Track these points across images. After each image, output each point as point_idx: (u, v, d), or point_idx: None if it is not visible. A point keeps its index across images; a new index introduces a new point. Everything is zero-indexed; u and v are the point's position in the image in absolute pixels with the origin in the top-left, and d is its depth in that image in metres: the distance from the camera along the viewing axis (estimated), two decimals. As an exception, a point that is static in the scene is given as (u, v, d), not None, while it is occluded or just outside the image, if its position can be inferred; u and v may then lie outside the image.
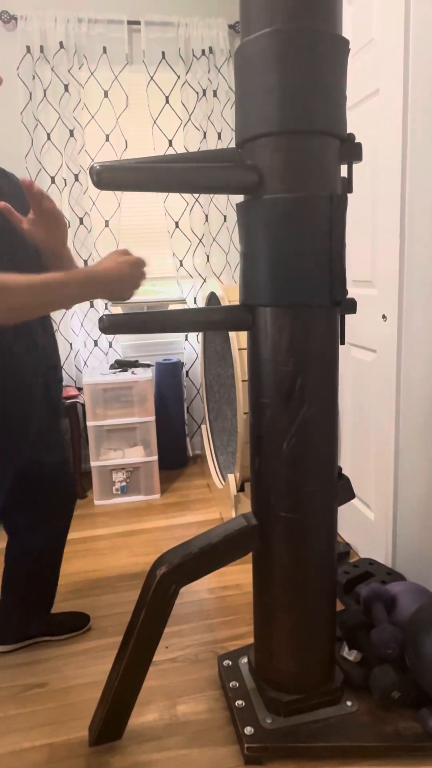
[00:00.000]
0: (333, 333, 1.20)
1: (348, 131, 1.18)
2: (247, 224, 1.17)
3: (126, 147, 2.84)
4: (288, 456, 1.21)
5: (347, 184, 1.18)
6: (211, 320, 1.20)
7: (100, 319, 1.13)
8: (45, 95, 2.75)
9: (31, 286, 1.06)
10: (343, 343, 1.24)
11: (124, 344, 3.19)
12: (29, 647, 1.71)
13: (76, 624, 1.77)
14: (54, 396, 1.49)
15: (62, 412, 1.57)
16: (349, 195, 2.00)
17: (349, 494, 1.34)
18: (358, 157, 1.16)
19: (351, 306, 1.23)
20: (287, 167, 1.09)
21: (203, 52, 2.86)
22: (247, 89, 1.10)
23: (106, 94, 2.83)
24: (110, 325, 1.13)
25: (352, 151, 1.15)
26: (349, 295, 1.21)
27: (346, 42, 1.09)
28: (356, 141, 1.16)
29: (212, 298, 2.57)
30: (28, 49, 2.70)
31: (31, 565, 1.62)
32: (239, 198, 3.07)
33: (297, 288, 1.12)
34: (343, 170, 1.32)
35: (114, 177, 1.06)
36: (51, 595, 1.69)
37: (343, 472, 2.18)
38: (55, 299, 1.10)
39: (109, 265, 1.15)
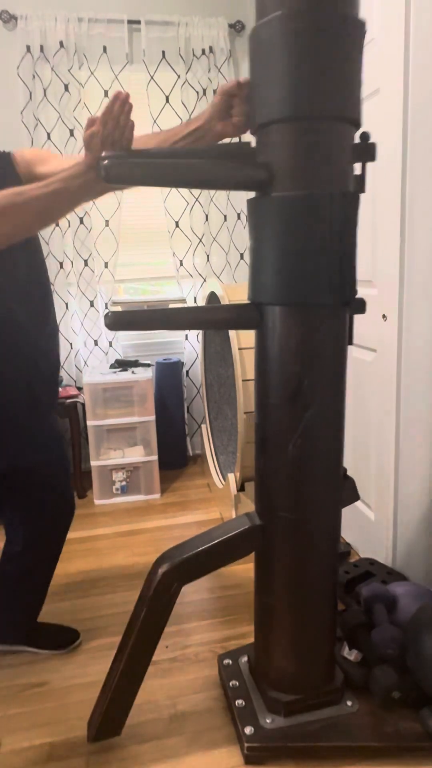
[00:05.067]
0: (341, 333, 1.18)
1: (361, 131, 1.15)
2: (256, 221, 1.15)
3: (126, 147, 2.83)
4: (293, 457, 1.20)
5: (360, 183, 1.15)
6: (218, 318, 1.19)
7: (106, 315, 1.12)
8: (45, 95, 2.75)
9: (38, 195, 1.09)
10: (351, 343, 1.22)
11: (124, 344, 3.19)
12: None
13: (62, 641, 1.69)
14: (39, 392, 1.45)
15: (50, 413, 1.53)
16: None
17: (353, 496, 1.33)
18: (371, 156, 1.13)
19: (360, 306, 1.21)
20: (299, 162, 1.07)
21: (203, 51, 2.86)
22: (260, 74, 1.07)
23: (106, 93, 2.83)
24: (115, 322, 1.12)
25: (365, 150, 1.12)
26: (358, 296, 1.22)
27: (362, 25, 1.04)
28: (371, 141, 1.13)
29: (212, 297, 2.57)
30: (28, 48, 2.70)
31: (21, 574, 1.58)
32: (239, 197, 3.06)
33: (307, 287, 1.11)
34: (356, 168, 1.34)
35: (123, 172, 1.04)
36: (38, 604, 1.65)
37: (343, 471, 2.18)
38: (64, 198, 1.11)
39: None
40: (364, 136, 1.13)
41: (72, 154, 1.24)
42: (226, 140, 1.22)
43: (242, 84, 1.15)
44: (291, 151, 1.07)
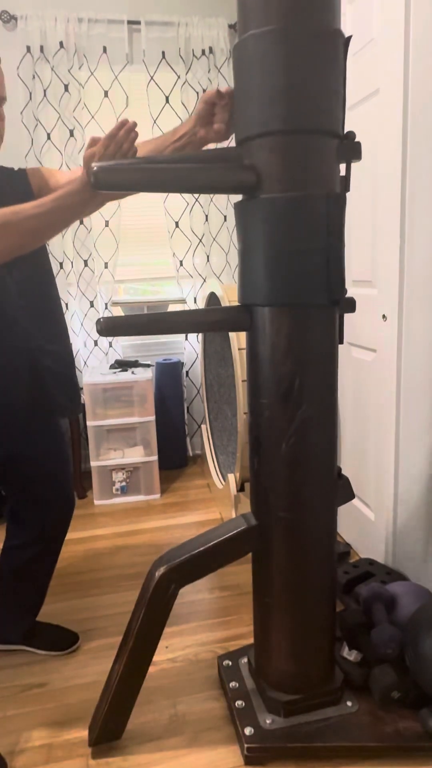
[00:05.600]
0: (331, 333, 1.19)
1: (347, 130, 1.18)
2: (244, 224, 1.17)
3: (126, 147, 2.84)
4: (287, 456, 1.20)
5: (345, 183, 1.18)
6: (209, 321, 1.20)
7: (98, 322, 1.12)
8: (45, 95, 2.75)
9: (40, 205, 1.13)
10: (341, 342, 1.23)
11: (124, 344, 3.19)
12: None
13: (61, 643, 1.69)
14: (42, 392, 1.46)
15: (58, 410, 1.53)
16: (349, 195, 2.00)
17: (348, 494, 1.34)
18: (357, 155, 1.15)
19: (350, 305, 1.23)
20: (284, 167, 1.09)
21: (203, 51, 2.86)
22: (244, 88, 1.10)
23: (106, 93, 2.83)
24: (107, 328, 1.13)
25: (351, 149, 1.14)
26: (348, 295, 1.22)
27: (342, 37, 1.07)
28: (355, 140, 1.15)
29: (212, 298, 2.57)
30: (28, 48, 2.70)
31: (21, 570, 1.59)
32: (240, 198, 3.06)
33: (295, 288, 1.12)
34: (342, 169, 1.35)
35: (111, 178, 1.05)
36: (38, 602, 1.66)
37: (343, 472, 2.18)
38: (66, 210, 1.15)
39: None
40: (349, 136, 1.14)
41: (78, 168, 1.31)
42: (213, 145, 1.27)
43: (222, 93, 1.19)
44: (276, 156, 1.09)
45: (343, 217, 1.14)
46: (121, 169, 1.06)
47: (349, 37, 1.10)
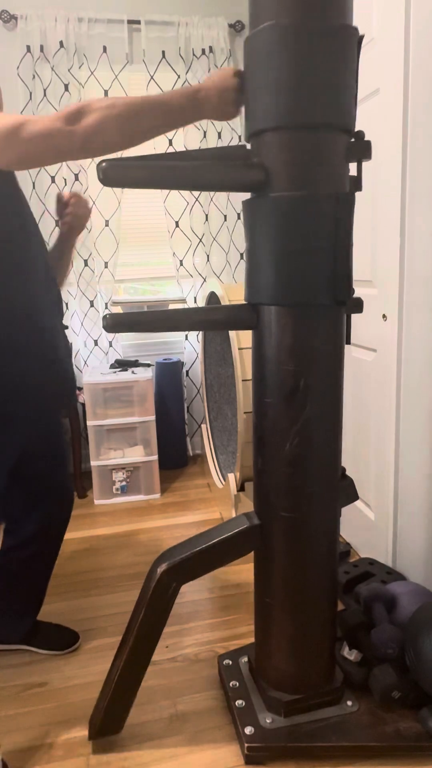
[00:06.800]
0: (338, 333, 1.19)
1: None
2: (252, 222, 1.16)
3: (126, 146, 2.84)
4: (290, 456, 1.20)
5: (356, 183, 1.17)
6: (215, 319, 1.19)
7: (104, 317, 1.12)
8: (45, 95, 2.75)
9: (135, 102, 1.12)
10: (348, 342, 1.23)
11: (124, 344, 3.19)
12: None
13: (61, 642, 1.69)
14: (49, 384, 1.47)
15: (52, 406, 1.52)
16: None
17: (352, 495, 1.33)
18: (367, 155, 1.14)
19: (357, 305, 1.22)
20: (294, 164, 1.08)
21: (203, 51, 2.86)
22: (254, 83, 1.09)
23: (106, 93, 2.83)
24: (114, 324, 1.13)
25: (361, 148, 1.13)
26: (355, 296, 1.23)
27: (355, 32, 1.06)
28: (365, 139, 1.14)
29: (212, 297, 2.57)
30: (28, 48, 2.70)
31: (20, 569, 1.59)
32: (239, 197, 3.06)
33: (302, 287, 1.11)
34: (352, 168, 1.33)
35: (120, 174, 1.05)
36: (38, 601, 1.66)
37: (343, 471, 2.18)
38: (163, 114, 1.14)
39: (213, 78, 1.15)
40: (359, 135, 1.13)
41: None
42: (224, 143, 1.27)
43: (63, 195, 1.56)
44: (286, 153, 1.08)
45: (352, 217, 1.13)
46: (131, 166, 1.06)
47: (362, 36, 1.09)
